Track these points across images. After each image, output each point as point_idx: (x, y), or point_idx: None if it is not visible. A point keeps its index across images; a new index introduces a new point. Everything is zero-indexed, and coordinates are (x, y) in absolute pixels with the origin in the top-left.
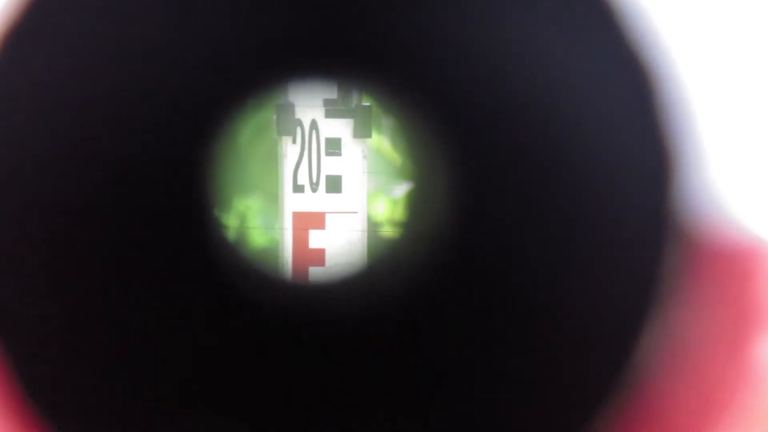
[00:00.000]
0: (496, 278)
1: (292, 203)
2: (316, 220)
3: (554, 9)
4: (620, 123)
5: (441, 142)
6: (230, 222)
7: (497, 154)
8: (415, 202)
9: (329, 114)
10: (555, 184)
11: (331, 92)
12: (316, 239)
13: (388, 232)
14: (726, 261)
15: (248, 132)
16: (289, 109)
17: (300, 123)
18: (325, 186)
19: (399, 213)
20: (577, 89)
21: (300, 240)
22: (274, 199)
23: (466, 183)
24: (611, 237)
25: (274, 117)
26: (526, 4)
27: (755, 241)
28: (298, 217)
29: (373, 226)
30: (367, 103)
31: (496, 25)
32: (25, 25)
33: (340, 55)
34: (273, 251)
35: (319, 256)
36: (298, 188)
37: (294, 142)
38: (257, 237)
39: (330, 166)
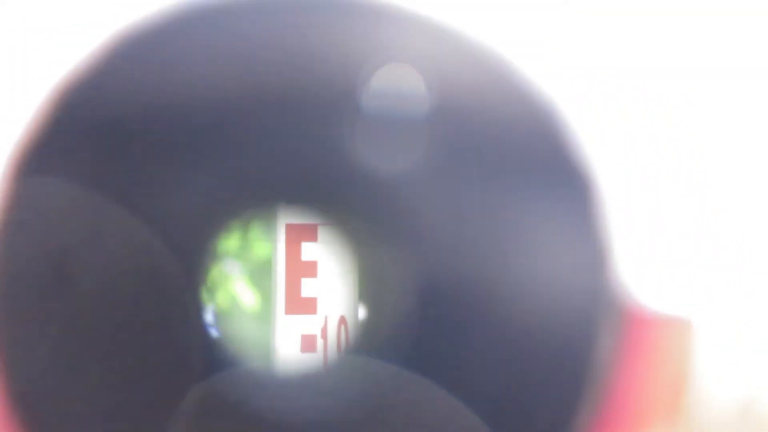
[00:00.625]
0: (440, 355)
1: (285, 215)
2: (309, 232)
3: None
4: (563, 226)
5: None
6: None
7: (448, 247)
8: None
9: None
10: (507, 270)
11: None
12: (308, 251)
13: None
14: (643, 326)
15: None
16: None
17: None
18: None
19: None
20: (519, 188)
21: (292, 252)
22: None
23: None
24: (559, 312)
25: None
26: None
27: (657, 312)
28: (290, 229)
29: None
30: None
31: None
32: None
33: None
34: (265, 263)
35: (311, 268)
36: None
37: None
38: (251, 249)
39: None
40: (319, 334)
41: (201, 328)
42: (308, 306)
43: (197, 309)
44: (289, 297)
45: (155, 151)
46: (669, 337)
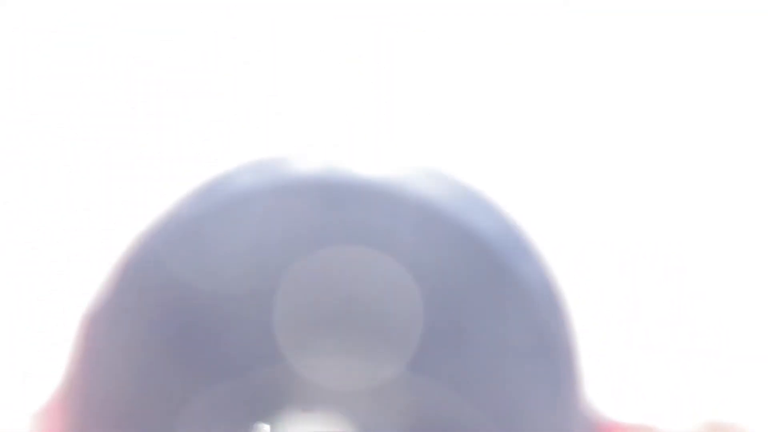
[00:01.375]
0: None
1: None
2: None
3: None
4: (547, 373)
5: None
6: None
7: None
8: None
9: None
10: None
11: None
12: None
13: None
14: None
15: None
16: None
17: None
18: None
19: None
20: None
21: None
22: None
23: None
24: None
25: None
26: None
27: (616, 421)
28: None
29: None
30: None
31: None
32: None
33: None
34: None
35: None
36: None
37: None
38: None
39: None
40: None
41: None
42: None
43: None
44: None
45: (199, 319)
46: None
